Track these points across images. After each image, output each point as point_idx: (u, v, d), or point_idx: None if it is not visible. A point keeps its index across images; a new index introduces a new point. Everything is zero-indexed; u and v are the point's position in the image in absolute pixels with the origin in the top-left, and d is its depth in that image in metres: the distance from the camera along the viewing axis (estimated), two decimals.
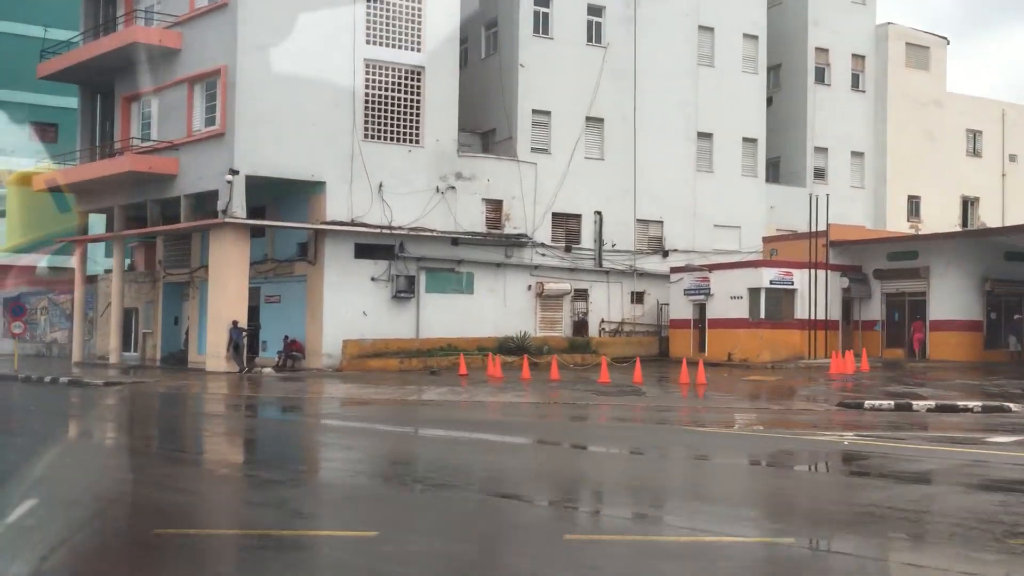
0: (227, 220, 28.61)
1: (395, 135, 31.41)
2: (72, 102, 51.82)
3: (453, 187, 32.17)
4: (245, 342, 29.25)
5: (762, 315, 30.87)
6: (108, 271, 42.30)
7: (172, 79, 31.17)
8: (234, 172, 28.67)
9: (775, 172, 40.73)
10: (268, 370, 28.55)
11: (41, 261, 45.30)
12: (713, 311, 32.48)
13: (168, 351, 36.98)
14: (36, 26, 50.98)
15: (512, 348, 31.04)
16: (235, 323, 28.88)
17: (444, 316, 31.94)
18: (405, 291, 31.20)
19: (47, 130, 51.72)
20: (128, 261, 42.13)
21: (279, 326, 31.39)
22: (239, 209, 28.84)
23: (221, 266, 29.31)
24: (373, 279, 30.99)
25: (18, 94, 50.37)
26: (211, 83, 30.10)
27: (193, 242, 35.41)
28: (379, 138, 31.12)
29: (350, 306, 30.46)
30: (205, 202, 30.98)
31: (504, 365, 28.94)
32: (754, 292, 30.98)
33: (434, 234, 31.72)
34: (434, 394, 22.15)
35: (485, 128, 34.86)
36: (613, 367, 27.77)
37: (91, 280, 43.78)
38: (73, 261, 37.04)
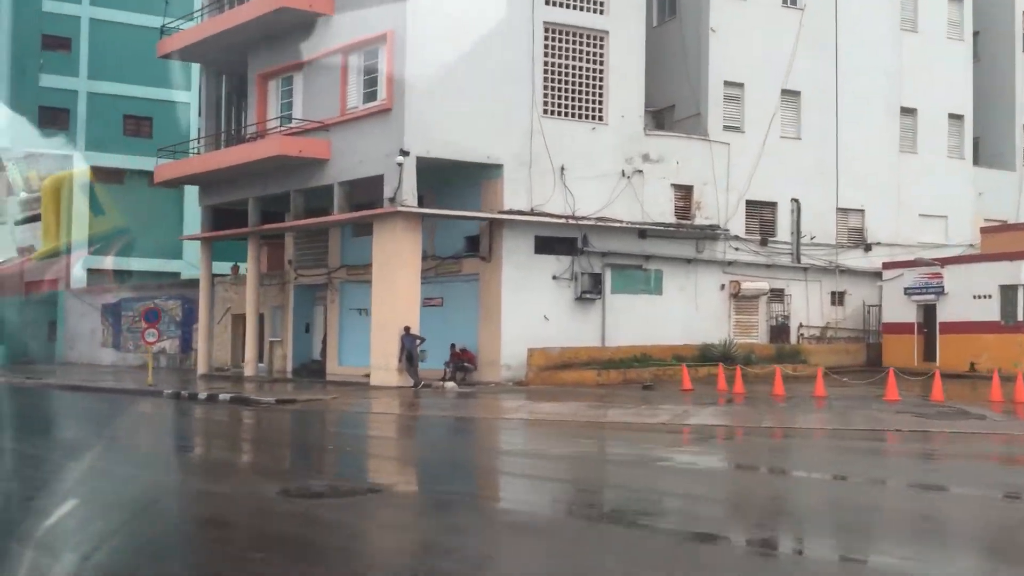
0: (400, 208, 24.53)
1: (577, 110, 27.19)
2: (168, 94, 48.56)
3: (640, 171, 27.84)
4: (419, 352, 25.14)
5: (1020, 317, 26.10)
6: (220, 275, 38.55)
7: (322, 50, 27.18)
8: (405, 153, 24.59)
9: (975, 154, 35.92)
10: (451, 384, 24.37)
11: (76, 265, 43.55)
12: (947, 313, 27.79)
13: (300, 361, 33.04)
14: (127, 12, 47.68)
15: (715, 357, 26.61)
16: (407, 330, 24.77)
17: (631, 320, 27.59)
18: (590, 291, 26.92)
19: (142, 124, 48.31)
20: (235, 264, 38.43)
21: (441, 333, 27.13)
22: (410, 196, 24.76)
23: (389, 263, 25.22)
24: (555, 277, 26.75)
25: (107, 84, 47.04)
26: (372, 52, 26.07)
27: (331, 239, 31.43)
28: (559, 114, 26.92)
29: (530, 309, 26.24)
30: (357, 191, 26.99)
31: (707, 378, 24.61)
32: (1009, 290, 26.24)
33: (622, 225, 27.42)
34: (701, 416, 17.82)
35: (660, 105, 30.46)
36: (831, 378, 23.26)
37: (187, 284, 40.18)
38: (199, 262, 33.16)
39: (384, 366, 25.20)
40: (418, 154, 24.81)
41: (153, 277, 45.12)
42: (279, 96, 29.32)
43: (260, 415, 19.47)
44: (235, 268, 37.16)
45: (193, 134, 49.36)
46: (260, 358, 35.21)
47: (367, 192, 27.11)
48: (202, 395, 22.94)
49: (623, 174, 27.55)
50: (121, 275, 45.79)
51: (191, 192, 48.50)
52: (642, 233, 27.97)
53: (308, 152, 26.80)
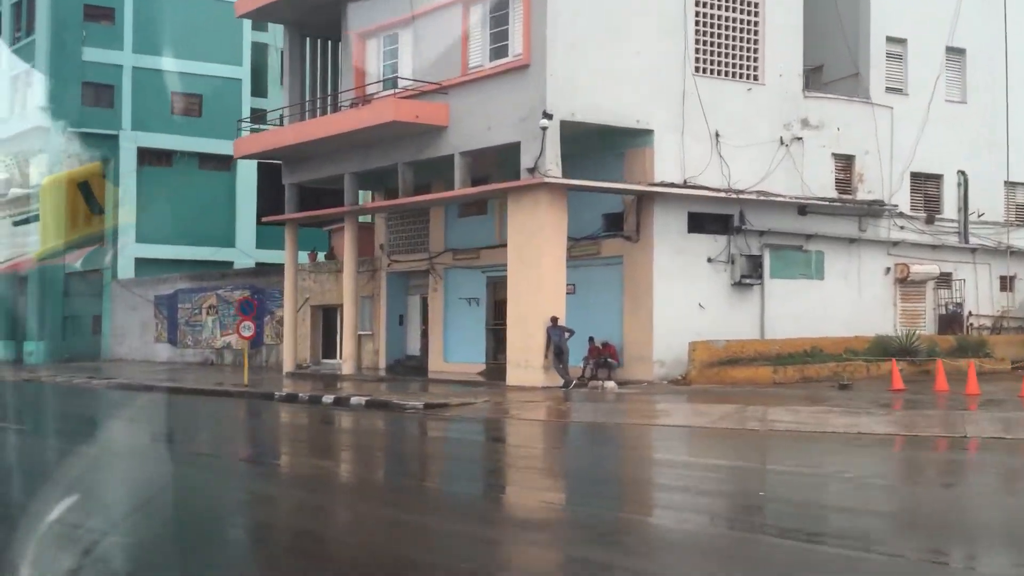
0: (547, 179, 21.07)
1: (731, 69, 23.74)
2: (218, 69, 45.06)
3: (799, 138, 24.37)
4: (568, 347, 21.72)
5: None
6: (269, 264, 35.21)
7: (436, 2, 23.75)
8: (548, 116, 21.15)
9: None
10: (610, 384, 20.90)
11: (76, 263, 40.61)
12: None
13: (393, 357, 29.65)
14: None
15: (893, 351, 23.12)
16: (554, 321, 21.34)
17: (790, 309, 24.15)
18: (749, 276, 23.47)
19: (190, 101, 44.82)
20: (312, 250, 35.09)
21: (576, 324, 23.63)
22: (554, 166, 21.30)
23: (530, 243, 21.76)
24: (710, 260, 23.32)
25: (153, 59, 43.54)
26: (501, 2, 22.60)
27: (432, 220, 28.00)
28: (713, 72, 23.46)
29: (684, 297, 22.80)
30: (479, 162, 23.59)
31: (887, 375, 21.13)
32: None
33: (785, 199, 23.98)
34: (972, 424, 14.39)
35: (807, 64, 26.91)
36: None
37: (256, 273, 36.87)
38: (286, 246, 29.71)
39: (523, 363, 21.77)
40: (561, 117, 21.38)
41: (203, 266, 41.74)
42: (381, 57, 25.86)
43: (429, 426, 16.08)
44: (313, 255, 33.77)
45: (245, 112, 46.04)
46: (339, 353, 31.88)
47: (482, 165, 23.73)
48: (327, 399, 19.50)
49: (781, 141, 24.08)
50: (163, 265, 42.41)
51: (244, 174, 45.16)
52: (802, 209, 24.50)
53: (426, 118, 23.34)
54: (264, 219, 30.57)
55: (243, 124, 29.79)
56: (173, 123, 43.90)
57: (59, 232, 38.08)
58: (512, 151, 22.32)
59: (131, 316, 41.61)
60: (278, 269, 34.60)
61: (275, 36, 49.02)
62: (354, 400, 18.84)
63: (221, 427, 17.09)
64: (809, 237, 24.61)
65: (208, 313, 36.92)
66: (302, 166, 28.21)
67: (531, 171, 21.45)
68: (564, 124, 21.40)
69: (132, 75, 43.41)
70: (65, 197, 38.96)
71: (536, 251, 21.60)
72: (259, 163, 45.01)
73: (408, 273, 29.52)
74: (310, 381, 25.22)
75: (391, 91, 25.10)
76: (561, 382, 21.20)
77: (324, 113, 28.26)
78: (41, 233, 39.41)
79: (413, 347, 29.93)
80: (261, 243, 45.45)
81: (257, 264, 41.57)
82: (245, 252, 44.87)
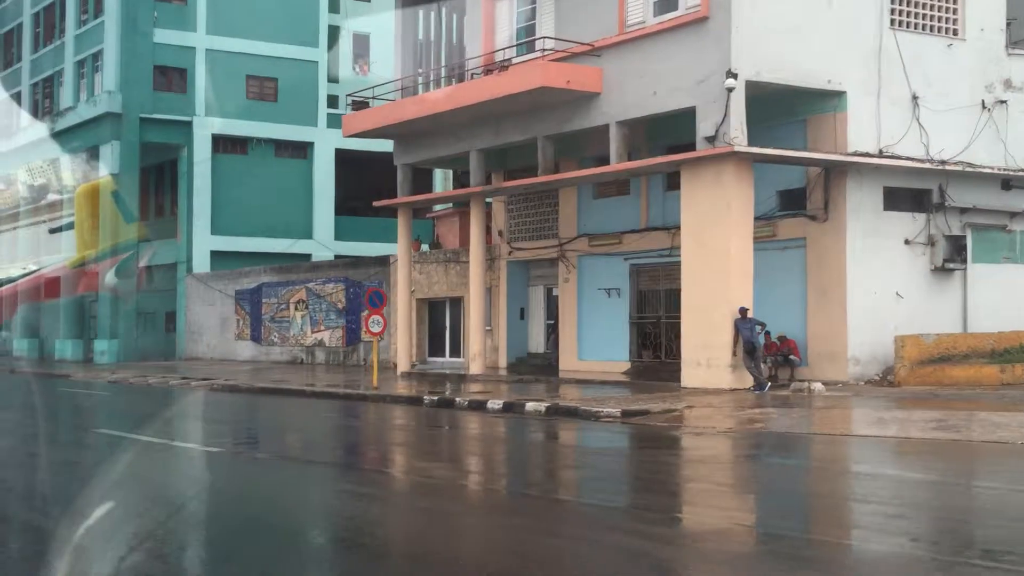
0: (737, 148, 18.12)
1: (930, 22, 20.66)
2: (295, 51, 42.50)
3: (1002, 101, 21.23)
4: (761, 341, 18.79)
5: None
6: (342, 256, 32.67)
7: None
8: (733, 76, 18.20)
9: None
10: (818, 386, 17.87)
11: (109, 272, 39.26)
12: None
13: (515, 355, 26.86)
14: None
15: None
16: (743, 312, 18.38)
17: (993, 297, 21.04)
18: (951, 260, 20.38)
19: (266, 85, 42.31)
20: (416, 238, 32.34)
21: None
22: (740, 132, 18.35)
23: (711, 223, 18.78)
24: (907, 242, 20.27)
25: (228, 41, 41.07)
26: None
27: (563, 203, 25.16)
28: (910, 26, 20.39)
29: (879, 285, 19.77)
30: (635, 133, 20.73)
31: None
32: None
33: (989, 172, 20.86)
34: None
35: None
36: None
37: (351, 265, 34.29)
38: (399, 233, 26.93)
39: (702, 362, 18.83)
40: (745, 78, 18.43)
41: (279, 260, 39.24)
42: (514, 19, 23.03)
43: (657, 440, 13.19)
44: (417, 244, 31.02)
45: (322, 97, 43.51)
46: (449, 351, 29.20)
47: (634, 135, 20.85)
48: (493, 404, 16.65)
49: (983, 105, 20.95)
50: (239, 258, 39.95)
51: (322, 162, 42.62)
52: (1006, 183, 21.36)
53: (578, 84, 20.45)
54: (377, 203, 27.70)
55: (355, 97, 26.96)
56: (248, 108, 41.42)
57: (92, 240, 37.46)
58: (679, 119, 19.47)
59: (208, 312, 39.20)
60: (376, 260, 32.00)
61: (347, 16, 46.61)
62: (530, 406, 16.00)
63: (418, 441, 14.35)
64: (1013, 215, 21.47)
65: (297, 308, 34.34)
66: (418, 144, 25.43)
67: (710, 140, 18.51)
68: (747, 86, 18.46)
69: (205, 58, 40.97)
70: (98, 205, 38.13)
71: (719, 232, 18.64)
72: (336, 151, 42.59)
73: (530, 262, 26.71)
74: (438, 383, 22.45)
75: (525, 56, 22.30)
76: (752, 383, 18.25)
77: (438, 86, 25.53)
78: (76, 241, 38.93)
79: (535, 343, 27.12)
80: (340, 234, 42.96)
81: (336, 256, 38.94)
82: (323, 244, 42.34)
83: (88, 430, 15.83)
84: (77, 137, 40.89)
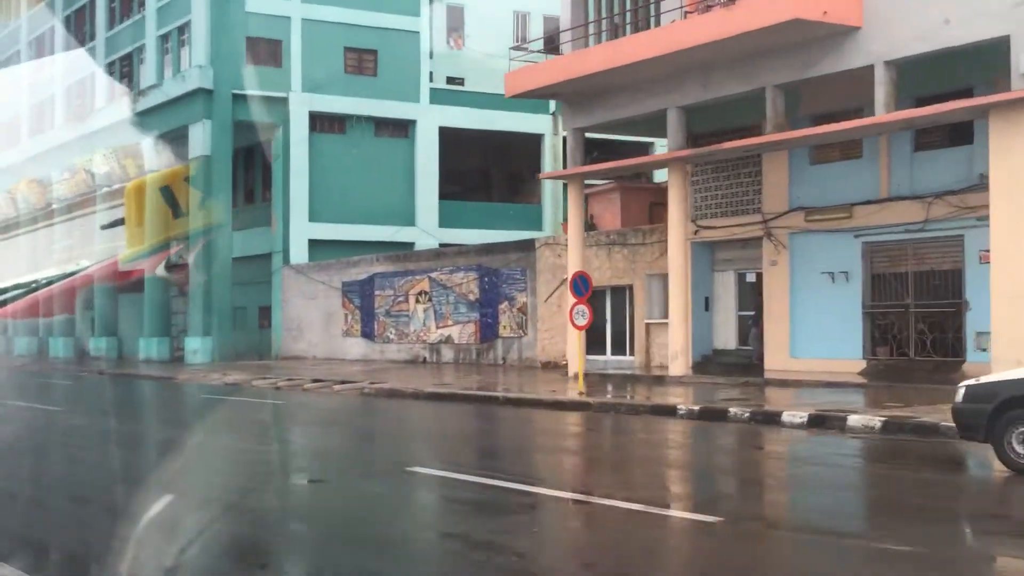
0: None
1: None
2: (395, 21, 38.87)
3: None
4: None
5: None
6: (546, 238, 28.94)
7: None
8: None
9: None
10: None
11: (159, 267, 37.95)
12: None
13: (700, 353, 22.92)
14: None
15: None
16: None
17: None
18: None
19: (365, 58, 38.71)
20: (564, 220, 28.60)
21: None
22: None
23: None
24: None
25: (325, 9, 37.54)
26: None
27: (768, 170, 21.20)
28: None
29: None
30: (907, 75, 16.74)
31: None
32: None
33: None
34: None
35: None
36: None
37: (486, 251, 30.69)
38: (569, 209, 23.06)
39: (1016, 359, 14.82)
40: None
41: (379, 249, 35.70)
42: None
43: None
44: (566, 225, 27.22)
45: (424, 71, 39.86)
46: (617, 348, 25.41)
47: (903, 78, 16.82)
48: (793, 418, 12.71)
49: None
50: (338, 247, 36.48)
51: (424, 143, 39.03)
52: None
53: (837, 15, 16.48)
54: (541, 175, 23.94)
55: (522, 48, 23.11)
56: (346, 84, 37.86)
57: (141, 235, 36.75)
58: (954, 59, 15.50)
59: (310, 306, 35.73)
60: (517, 245, 28.26)
61: None
62: (855, 421, 12.05)
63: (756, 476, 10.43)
64: None
65: (418, 301, 30.68)
66: (595, 104, 21.55)
67: None
68: None
69: (302, 28, 37.46)
70: (148, 200, 37.24)
71: None
72: (440, 128, 38.98)
73: (716, 244, 22.81)
74: (632, 386, 18.63)
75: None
76: None
77: (614, 37, 21.64)
78: (126, 236, 38.15)
79: (723, 339, 23.21)
80: (444, 221, 39.32)
81: (441, 245, 35.26)
82: (427, 231, 38.72)
83: (399, 470, 10.36)
84: (163, 118, 37.62)
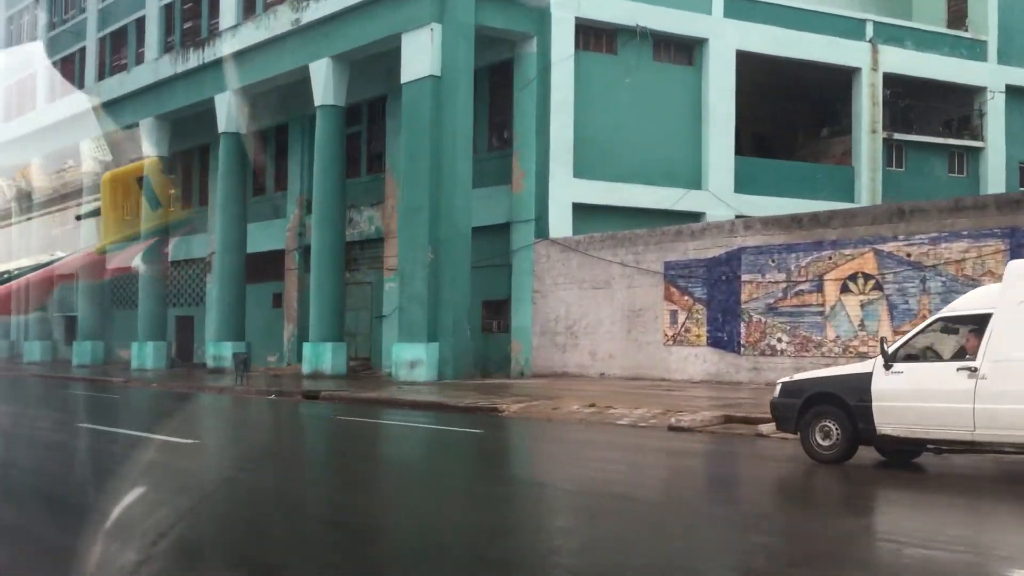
0: None
1: None
2: None
3: None
4: None
5: None
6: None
7: None
8: None
9: None
10: None
11: (135, 258, 35.38)
12: None
13: None
14: None
15: None
16: None
17: None
18: None
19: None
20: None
21: None
22: None
23: None
24: None
25: None
26: None
27: None
28: None
29: None
30: None
31: None
32: None
33: None
34: None
35: None
36: None
37: (946, 211, 19.22)
38: None
39: None
40: None
41: (653, 220, 24.25)
42: None
43: None
44: None
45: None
46: None
47: None
48: None
49: None
50: (598, 215, 25.01)
51: (718, 72, 27.57)
52: None
53: None
54: None
55: None
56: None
57: (119, 226, 35.94)
58: None
59: (592, 298, 24.09)
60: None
61: None
62: None
63: None
64: None
65: (849, 290, 19.05)
66: None
67: None
68: None
69: None
70: (123, 191, 36.17)
71: None
72: (737, 53, 27.59)
73: None
74: None
75: None
76: None
77: None
78: (103, 227, 37.43)
79: None
80: (740, 185, 27.86)
81: (737, 216, 23.69)
82: (719, 197, 27.23)
83: None
84: (375, 17, 25.85)
